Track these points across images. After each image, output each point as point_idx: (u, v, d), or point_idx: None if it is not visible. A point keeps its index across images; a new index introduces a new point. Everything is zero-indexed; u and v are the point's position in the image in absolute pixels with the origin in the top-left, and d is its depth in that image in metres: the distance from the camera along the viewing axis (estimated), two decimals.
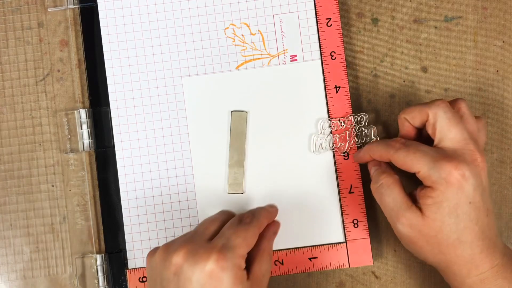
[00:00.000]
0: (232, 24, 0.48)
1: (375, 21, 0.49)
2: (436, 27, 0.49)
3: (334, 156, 0.47)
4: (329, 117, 0.47)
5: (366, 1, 0.49)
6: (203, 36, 0.48)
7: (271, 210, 0.45)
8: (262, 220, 0.43)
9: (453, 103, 0.43)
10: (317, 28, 0.48)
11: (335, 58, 0.48)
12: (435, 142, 0.42)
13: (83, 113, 0.48)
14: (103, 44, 0.48)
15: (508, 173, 0.49)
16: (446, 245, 0.40)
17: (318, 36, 0.48)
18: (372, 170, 0.45)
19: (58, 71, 0.49)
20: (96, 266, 0.47)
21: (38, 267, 0.48)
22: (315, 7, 0.48)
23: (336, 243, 0.47)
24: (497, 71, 0.49)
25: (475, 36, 0.49)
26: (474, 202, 0.40)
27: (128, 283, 0.47)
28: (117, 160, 0.48)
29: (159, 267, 0.39)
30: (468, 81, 0.49)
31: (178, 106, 0.48)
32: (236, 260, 0.38)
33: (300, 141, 0.48)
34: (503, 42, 0.49)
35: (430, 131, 0.42)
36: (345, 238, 0.47)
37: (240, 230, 0.40)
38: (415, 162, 0.41)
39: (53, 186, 0.48)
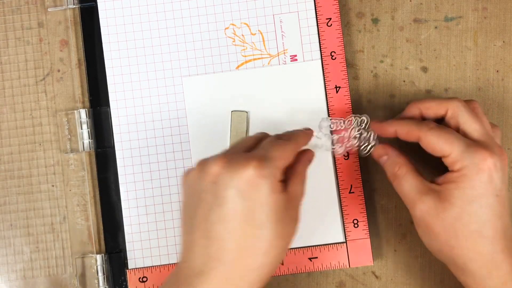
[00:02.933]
0: (232, 24, 0.49)
1: (375, 21, 0.50)
2: (436, 27, 0.50)
3: (334, 156, 0.48)
4: (329, 117, 0.48)
5: (366, 1, 0.50)
6: (203, 36, 0.49)
7: (307, 132, 0.45)
8: (299, 139, 0.43)
9: (467, 103, 0.44)
10: (317, 28, 0.49)
11: (335, 58, 0.48)
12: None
13: (83, 113, 0.49)
14: (103, 44, 0.49)
15: (508, 173, 0.49)
16: (464, 237, 0.39)
17: (318, 36, 0.49)
18: (382, 161, 0.44)
19: (58, 71, 0.50)
20: (96, 266, 0.48)
21: (38, 267, 0.49)
22: (315, 7, 0.49)
23: (336, 243, 0.48)
24: (497, 71, 0.49)
25: (475, 36, 0.49)
26: (500, 196, 0.39)
27: (128, 283, 0.48)
28: (117, 160, 0.48)
29: (196, 180, 0.39)
30: (468, 81, 0.49)
31: (178, 106, 0.49)
32: (274, 170, 0.38)
33: None
34: (503, 42, 0.49)
35: (452, 126, 0.42)
36: (345, 238, 0.48)
37: (278, 144, 0.40)
38: (448, 143, 0.40)
39: (53, 186, 0.49)
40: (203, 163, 0.39)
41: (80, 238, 0.49)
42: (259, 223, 0.37)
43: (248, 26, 0.49)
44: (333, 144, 0.47)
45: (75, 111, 0.49)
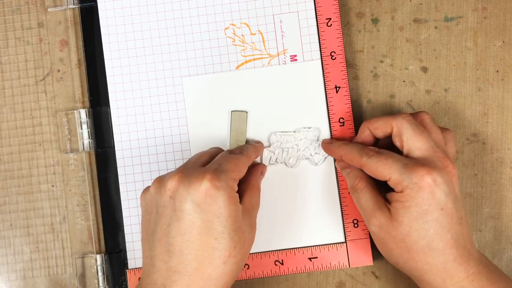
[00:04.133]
0: (232, 24, 0.49)
1: (375, 21, 0.50)
2: (436, 27, 0.50)
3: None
4: (328, 118, 0.48)
5: (366, 1, 0.50)
6: (203, 36, 0.49)
7: (257, 145, 0.47)
8: (251, 153, 0.45)
9: (416, 116, 0.45)
10: (317, 28, 0.49)
11: (335, 58, 0.49)
12: (404, 153, 0.43)
13: (83, 113, 0.49)
14: (103, 44, 0.49)
15: (508, 173, 0.49)
16: (415, 251, 0.41)
17: (318, 36, 0.49)
18: (344, 173, 0.46)
19: (58, 71, 0.50)
20: (96, 266, 0.48)
21: (38, 267, 0.49)
22: (315, 7, 0.49)
23: (336, 243, 0.48)
24: (497, 71, 0.50)
25: (475, 36, 0.50)
26: (445, 209, 0.40)
27: (128, 283, 0.48)
28: (117, 160, 0.48)
29: (154, 197, 0.41)
30: (468, 81, 0.50)
31: (178, 106, 0.49)
32: (229, 181, 0.40)
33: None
34: (503, 42, 0.50)
35: (398, 143, 0.44)
36: (345, 238, 0.48)
37: (231, 158, 0.42)
38: (386, 168, 0.41)
39: (53, 186, 0.49)
40: (160, 180, 0.41)
41: (80, 238, 0.49)
42: (217, 234, 0.39)
43: (248, 26, 0.49)
44: (285, 158, 0.48)
45: (75, 111, 0.49)
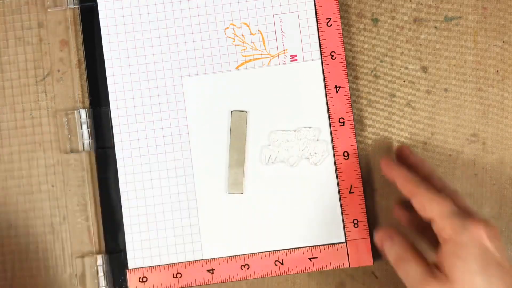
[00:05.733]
0: (232, 24, 0.50)
1: (375, 21, 0.51)
2: (436, 27, 0.50)
3: (334, 155, 0.49)
4: (329, 118, 0.49)
5: (366, 1, 0.51)
6: (203, 36, 0.50)
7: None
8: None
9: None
10: (317, 28, 0.49)
11: (335, 58, 0.49)
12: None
13: (83, 113, 0.49)
14: (103, 44, 0.49)
15: (508, 173, 0.50)
16: None
17: (318, 36, 0.49)
18: (387, 245, 0.43)
19: (58, 71, 0.50)
20: (96, 266, 0.49)
21: (38, 267, 0.50)
22: (315, 7, 0.49)
23: (336, 243, 0.48)
24: (497, 71, 0.50)
25: (475, 36, 0.50)
26: (502, 264, 0.38)
27: (128, 283, 0.48)
28: (117, 160, 0.49)
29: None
30: (468, 81, 0.50)
31: (178, 106, 0.49)
32: None
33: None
34: (503, 42, 0.50)
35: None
36: (345, 238, 0.48)
37: None
38: (440, 204, 0.40)
39: (53, 186, 0.50)
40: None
41: (80, 238, 0.50)
42: None
43: (248, 26, 0.50)
44: (285, 157, 0.49)
45: (75, 111, 0.49)
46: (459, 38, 0.50)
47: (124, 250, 0.49)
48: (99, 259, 0.49)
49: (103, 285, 0.48)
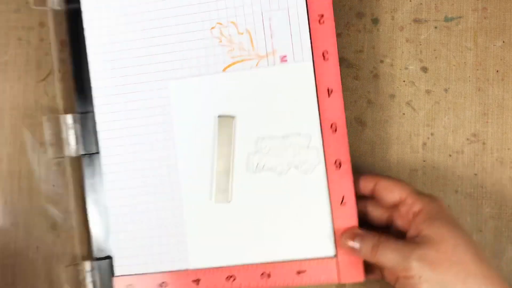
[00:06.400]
0: (219, 23, 0.47)
1: (375, 21, 0.48)
2: (436, 27, 0.49)
3: (325, 164, 0.46)
4: (320, 123, 0.46)
5: (366, 1, 0.49)
6: (188, 36, 0.47)
7: None
8: None
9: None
10: (309, 25, 0.46)
11: (328, 58, 0.45)
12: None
13: (69, 118, 0.49)
14: (87, 47, 0.48)
15: (508, 173, 0.49)
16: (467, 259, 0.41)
17: (310, 34, 0.46)
18: (357, 242, 0.44)
19: (59, 71, 0.50)
20: (85, 273, 0.49)
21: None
22: (306, 3, 0.46)
23: (325, 257, 0.46)
24: (497, 71, 0.49)
25: (475, 36, 0.49)
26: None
27: None
28: (103, 166, 0.48)
29: None
30: (468, 81, 0.49)
31: (164, 111, 0.47)
32: None
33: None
34: (503, 42, 0.49)
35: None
36: (335, 252, 0.46)
37: None
38: (402, 187, 0.45)
39: (53, 186, 0.50)
40: None
41: (69, 245, 0.50)
42: None
43: (235, 25, 0.47)
44: (273, 165, 0.46)
45: (61, 116, 0.49)
46: (459, 38, 0.49)
47: (110, 257, 0.48)
48: (87, 266, 0.49)
49: None
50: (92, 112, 0.48)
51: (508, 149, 0.49)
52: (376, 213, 0.46)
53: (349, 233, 0.45)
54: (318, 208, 0.46)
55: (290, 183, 0.46)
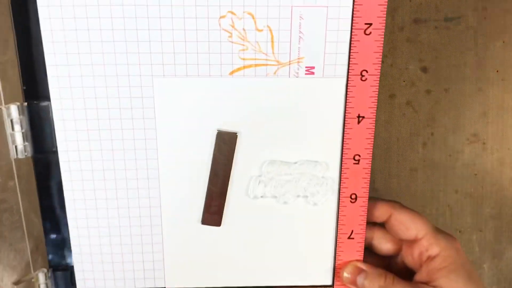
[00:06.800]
0: (231, 12, 0.34)
1: None
2: (436, 27, 0.47)
3: (338, 197, 0.39)
4: (341, 153, 0.38)
5: None
6: (187, 24, 0.34)
7: None
8: None
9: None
10: (350, 34, 0.35)
11: (366, 79, 0.36)
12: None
13: (14, 109, 0.36)
14: (40, 22, 0.34)
15: (508, 173, 0.49)
16: None
17: (350, 46, 0.35)
18: (360, 281, 0.41)
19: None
20: (38, 285, 0.41)
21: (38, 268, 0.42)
22: (353, 4, 0.34)
23: (322, 286, 0.42)
24: (497, 71, 0.48)
25: (475, 36, 0.47)
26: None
27: None
28: (61, 164, 0.38)
29: None
30: (468, 81, 0.48)
31: (145, 114, 0.36)
32: None
33: None
34: (503, 42, 0.48)
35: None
36: (333, 282, 0.42)
37: None
38: (420, 225, 0.41)
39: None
40: None
41: (20, 257, 0.41)
42: None
43: (253, 18, 0.35)
44: (278, 192, 0.39)
45: (2, 107, 0.36)
46: (459, 38, 0.47)
47: (71, 268, 0.41)
48: (42, 277, 0.41)
49: None
50: (46, 101, 0.36)
51: (508, 149, 0.49)
52: (384, 247, 0.42)
53: (352, 267, 0.41)
54: (323, 239, 0.40)
55: (294, 213, 0.40)
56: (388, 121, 0.47)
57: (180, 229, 0.40)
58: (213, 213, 0.39)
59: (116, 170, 0.38)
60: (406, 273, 0.42)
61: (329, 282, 0.42)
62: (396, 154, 0.48)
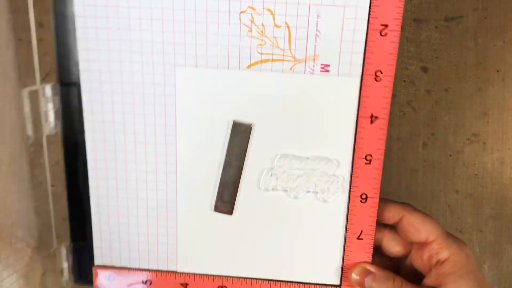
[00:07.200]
0: (251, 8, 0.36)
1: None
2: (436, 27, 0.47)
3: (349, 196, 0.40)
4: (353, 151, 0.39)
5: None
6: (209, 17, 0.36)
7: None
8: None
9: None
10: (366, 34, 0.36)
11: (380, 79, 0.36)
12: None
13: (48, 89, 0.39)
14: (75, 7, 0.37)
15: (509, 173, 0.49)
16: None
17: (365, 46, 0.36)
18: (368, 283, 0.41)
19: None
20: (61, 257, 0.44)
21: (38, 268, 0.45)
22: (370, 5, 0.35)
23: (329, 285, 0.42)
24: (498, 71, 0.48)
25: (475, 36, 0.47)
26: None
27: (94, 280, 0.44)
28: (88, 152, 0.40)
29: None
30: (468, 81, 0.48)
31: (167, 101, 0.39)
32: None
33: None
34: (504, 42, 0.47)
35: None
36: (341, 282, 0.42)
37: None
38: (431, 228, 0.41)
39: (53, 186, 0.42)
40: None
41: (45, 231, 0.44)
42: None
43: (272, 14, 0.36)
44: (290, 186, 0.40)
45: (39, 87, 0.39)
46: (460, 38, 0.48)
47: (91, 244, 0.43)
48: (63, 250, 0.44)
49: (67, 277, 0.44)
50: (75, 85, 0.39)
51: (509, 149, 0.49)
52: (394, 249, 0.42)
53: (361, 269, 0.41)
54: (331, 238, 0.41)
55: (303, 208, 0.40)
56: (389, 121, 0.46)
57: (193, 215, 0.41)
58: (225, 201, 0.41)
59: (137, 153, 0.41)
60: (415, 276, 0.42)
61: (337, 282, 0.42)
62: (396, 154, 0.49)
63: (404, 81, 0.48)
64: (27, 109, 0.39)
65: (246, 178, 0.40)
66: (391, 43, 0.36)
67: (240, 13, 0.36)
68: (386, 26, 0.35)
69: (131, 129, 0.40)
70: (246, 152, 0.39)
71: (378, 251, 0.43)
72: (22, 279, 0.44)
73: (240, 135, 0.39)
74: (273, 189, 0.40)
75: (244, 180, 0.40)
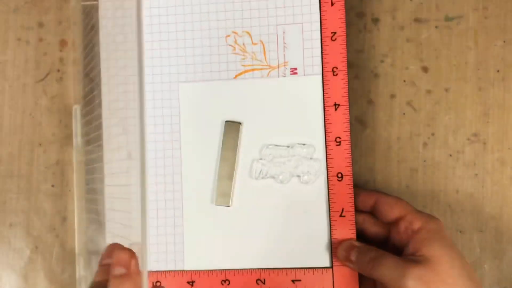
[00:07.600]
0: (234, 32, 0.49)
1: (375, 20, 0.50)
2: (436, 27, 0.50)
3: (327, 176, 0.47)
4: (325, 136, 0.47)
5: (367, 0, 0.50)
6: (203, 42, 0.49)
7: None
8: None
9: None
10: (321, 41, 0.48)
11: (337, 74, 0.47)
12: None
13: (78, 110, 0.49)
14: (100, 43, 0.49)
15: (509, 173, 0.50)
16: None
17: (321, 50, 0.48)
18: (353, 257, 0.45)
19: (58, 71, 0.51)
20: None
21: (38, 268, 0.51)
22: (320, 20, 0.48)
23: (321, 268, 0.47)
24: (498, 71, 0.50)
25: (476, 35, 0.49)
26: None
27: None
28: (105, 157, 0.49)
29: None
30: (468, 81, 0.50)
31: (173, 112, 0.49)
32: None
33: None
34: (504, 41, 0.49)
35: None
36: (332, 264, 0.47)
37: None
38: (401, 207, 0.46)
39: (52, 186, 0.50)
40: None
41: (79, 238, 0.50)
42: None
43: (249, 35, 0.48)
44: (276, 172, 0.48)
45: (73, 108, 0.50)
46: (460, 37, 0.50)
47: None
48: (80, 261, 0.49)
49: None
50: (99, 108, 0.49)
51: (509, 149, 0.50)
52: (374, 230, 0.47)
53: (346, 245, 0.46)
54: (318, 219, 0.47)
55: (291, 192, 0.47)
56: (388, 121, 0.50)
57: (197, 212, 0.48)
58: (224, 193, 0.47)
59: (148, 167, 0.49)
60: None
61: (328, 264, 0.47)
62: (396, 154, 0.50)
63: (404, 81, 0.50)
64: (28, 109, 0.49)
65: (240, 170, 0.48)
66: (340, 45, 0.47)
67: (226, 37, 0.49)
68: (334, 33, 0.47)
69: (148, 139, 0.49)
70: (237, 147, 0.48)
71: (362, 238, 0.48)
72: (22, 279, 0.48)
73: (232, 132, 0.48)
74: (263, 178, 0.47)
75: (238, 172, 0.48)
